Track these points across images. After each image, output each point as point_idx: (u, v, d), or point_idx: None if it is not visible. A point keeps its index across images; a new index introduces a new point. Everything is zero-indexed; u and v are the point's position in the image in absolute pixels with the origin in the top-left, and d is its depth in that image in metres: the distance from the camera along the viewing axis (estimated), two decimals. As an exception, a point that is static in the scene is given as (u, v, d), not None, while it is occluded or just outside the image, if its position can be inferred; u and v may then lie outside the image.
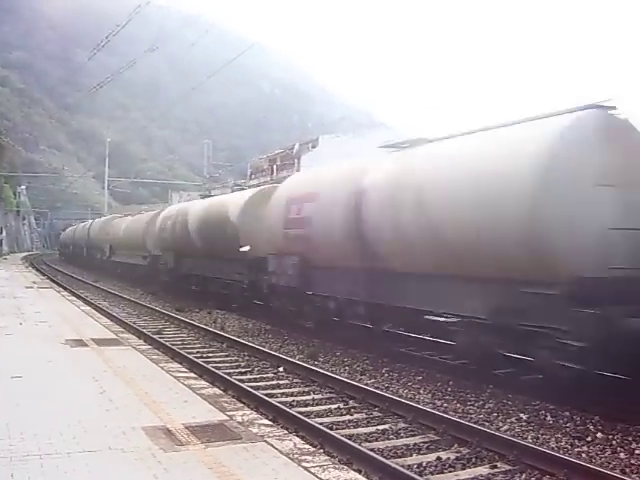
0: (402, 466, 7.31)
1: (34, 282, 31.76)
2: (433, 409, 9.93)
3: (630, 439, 8.62)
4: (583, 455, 8.08)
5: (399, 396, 10.83)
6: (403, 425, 9.34)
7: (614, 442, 8.55)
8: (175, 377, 9.86)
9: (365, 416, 9.87)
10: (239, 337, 17.33)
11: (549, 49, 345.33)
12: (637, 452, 8.15)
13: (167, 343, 15.75)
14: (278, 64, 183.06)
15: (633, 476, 7.27)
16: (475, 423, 9.18)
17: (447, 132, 13.25)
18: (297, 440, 7.07)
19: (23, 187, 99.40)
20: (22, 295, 23.60)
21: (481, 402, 10.67)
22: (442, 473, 7.42)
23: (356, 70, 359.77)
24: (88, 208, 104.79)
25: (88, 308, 20.53)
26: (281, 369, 13.24)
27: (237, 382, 11.55)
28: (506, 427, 9.27)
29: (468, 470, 7.52)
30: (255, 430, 7.15)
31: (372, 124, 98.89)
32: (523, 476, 7.34)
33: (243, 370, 13.34)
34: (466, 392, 11.31)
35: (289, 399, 10.81)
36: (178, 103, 76.74)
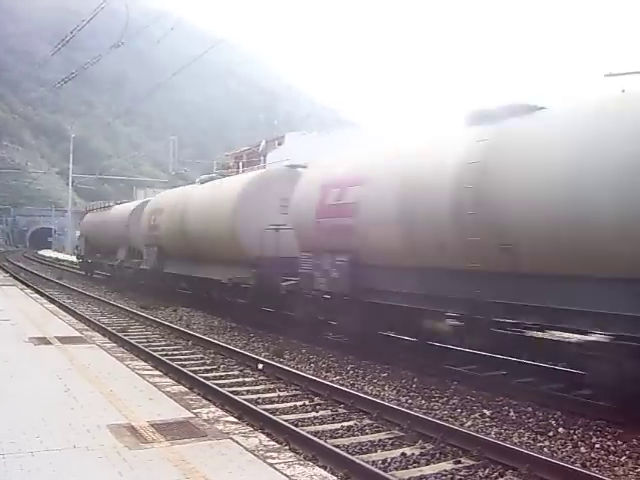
0: (367, 462, 7.37)
1: (-4, 280, 31.35)
2: (398, 405, 10.02)
3: (591, 433, 8.78)
4: (545, 450, 8.21)
5: (364, 393, 10.91)
6: (368, 421, 9.41)
7: (575, 437, 8.70)
8: (140, 375, 9.81)
9: (330, 413, 9.93)
10: (205, 335, 17.30)
11: (514, 49, 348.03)
12: (597, 446, 8.30)
13: (132, 341, 15.67)
14: (245, 61, 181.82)
15: (593, 469, 7.40)
16: (439, 419, 9.27)
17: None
18: (263, 437, 7.08)
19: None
20: (-17, 293, 23.30)
21: (445, 398, 10.79)
22: (406, 469, 7.49)
23: (323, 68, 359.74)
24: (52, 205, 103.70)
25: (52, 306, 20.30)
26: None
27: (203, 380, 11.54)
28: (470, 423, 9.38)
29: (432, 465, 7.59)
30: (221, 427, 7.15)
31: (338, 121, 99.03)
32: (486, 471, 7.43)
33: (209, 368, 13.32)
34: (431, 388, 11.42)
35: (255, 396, 10.83)
36: (144, 99, 76.19)
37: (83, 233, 43.59)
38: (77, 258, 46.49)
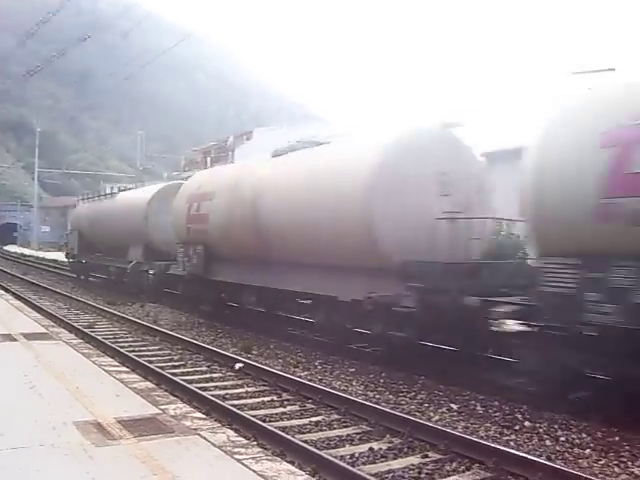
0: (335, 457, 7.40)
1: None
2: (366, 400, 10.07)
3: (556, 427, 8.92)
4: (511, 443, 8.32)
5: (332, 388, 10.95)
6: (336, 416, 9.45)
7: (540, 430, 8.83)
8: (107, 371, 9.74)
9: (298, 408, 9.95)
10: (172, 330, 17.24)
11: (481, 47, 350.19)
12: (562, 439, 8.44)
13: (99, 337, 15.55)
14: (214, 56, 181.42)
15: (558, 462, 7.50)
16: (407, 414, 9.34)
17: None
18: (230, 433, 7.07)
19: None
20: (-54, 289, 22.97)
21: (413, 393, 10.86)
22: (374, 463, 7.53)
23: (292, 63, 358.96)
24: (17, 200, 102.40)
25: (18, 302, 20.07)
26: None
27: (170, 376, 11.50)
28: (437, 417, 9.46)
29: (400, 460, 7.64)
30: (188, 423, 7.12)
31: (307, 117, 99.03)
32: (453, 465, 7.50)
33: (176, 364, 13.28)
34: (398, 383, 11.50)
35: (223, 392, 10.82)
36: (111, 93, 75.71)
37: (75, 227, 35.85)
38: (67, 258, 38.34)
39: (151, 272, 24.84)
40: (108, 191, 36.26)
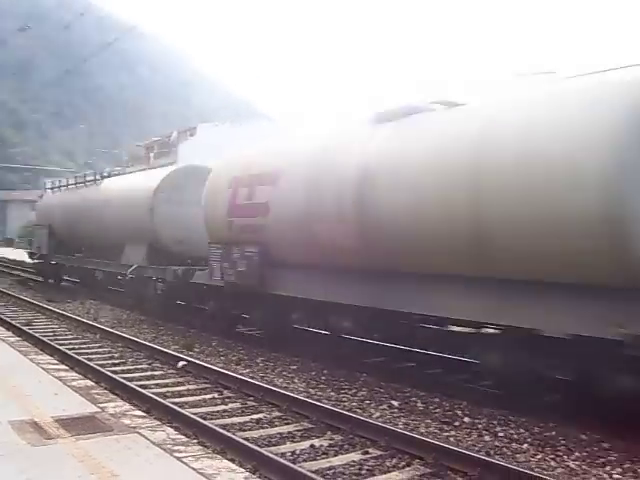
0: (276, 454, 7.38)
1: None
2: (307, 397, 10.06)
3: (495, 423, 9.04)
4: (451, 439, 8.40)
5: (274, 385, 10.93)
6: (278, 414, 9.43)
7: (480, 426, 8.94)
8: (45, 369, 9.60)
9: (240, 406, 9.91)
10: (113, 328, 17.01)
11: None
12: (501, 435, 8.56)
13: (37, 334, 15.26)
14: (159, 50, 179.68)
15: (496, 457, 7.61)
16: (348, 411, 9.36)
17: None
18: (170, 431, 7.04)
19: None
20: None
21: (354, 390, 10.91)
22: (315, 460, 7.53)
23: (238, 59, 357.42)
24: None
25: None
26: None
27: (110, 373, 11.35)
28: (378, 414, 9.51)
29: (340, 456, 7.66)
30: (127, 422, 7.06)
31: (252, 114, 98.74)
32: (394, 461, 7.54)
33: (117, 361, 13.11)
34: (340, 380, 11.54)
35: (163, 390, 10.71)
36: (52, 86, 74.31)
37: (43, 222, 29.76)
38: (31, 258, 31.88)
39: (160, 280, 19.27)
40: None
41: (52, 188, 30.68)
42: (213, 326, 14.33)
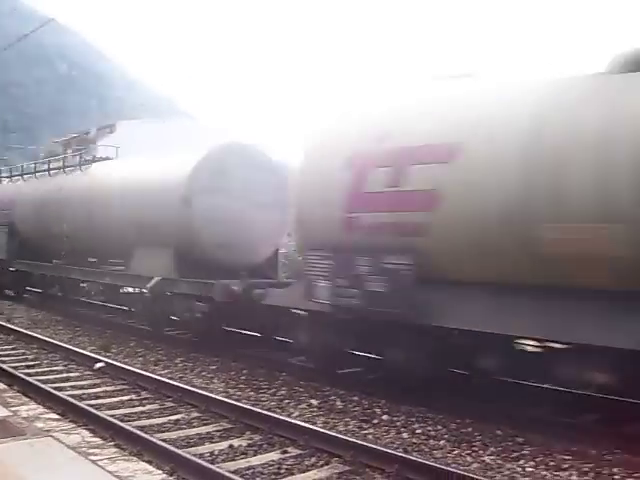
0: (194, 455, 7.32)
1: None
2: (226, 398, 10.02)
3: (413, 420, 9.17)
4: (369, 437, 8.47)
5: (192, 386, 10.84)
6: (196, 414, 9.35)
7: (398, 423, 9.05)
8: (-46, 373, 9.30)
9: (158, 407, 9.79)
10: (28, 329, 16.56)
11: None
12: (418, 432, 8.68)
13: (-55, 337, 14.75)
14: (77, 45, 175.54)
15: (414, 454, 7.71)
16: (267, 410, 9.35)
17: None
18: (86, 433, 6.91)
19: None
20: None
21: (274, 390, 10.91)
22: (234, 460, 7.49)
23: (159, 56, 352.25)
24: None
25: None
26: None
27: (23, 376, 11.05)
28: (297, 413, 9.52)
29: (259, 456, 7.64)
30: (41, 425, 6.90)
31: (173, 111, 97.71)
32: (312, 459, 7.56)
33: (31, 363, 12.77)
34: (259, 380, 11.53)
35: (79, 392, 10.49)
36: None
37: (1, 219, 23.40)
38: None
39: (201, 299, 13.89)
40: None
41: (10, 176, 24.96)
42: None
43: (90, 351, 13.64)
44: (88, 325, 17.43)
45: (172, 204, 14.49)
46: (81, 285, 20.92)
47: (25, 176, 23.37)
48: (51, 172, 21.41)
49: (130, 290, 17.83)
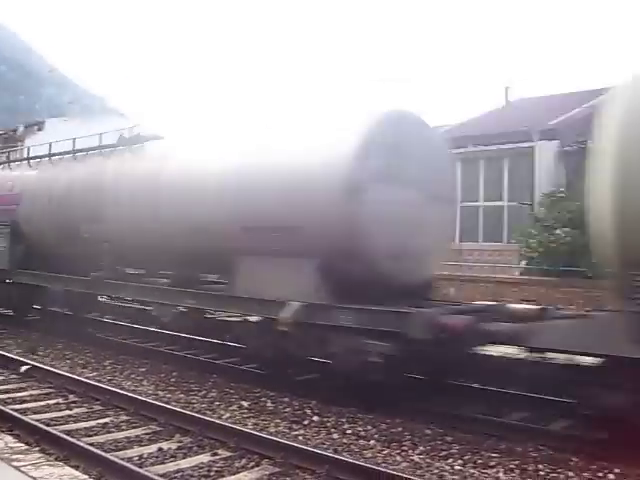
0: (122, 458, 7.22)
1: None
2: (156, 400, 9.92)
3: (343, 420, 9.22)
4: (300, 438, 8.48)
5: (121, 388, 10.70)
6: (125, 417, 9.22)
7: (329, 424, 9.08)
8: None
9: (86, 410, 9.61)
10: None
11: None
12: (349, 432, 8.74)
13: None
14: (4, 40, 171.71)
15: (344, 454, 7.76)
16: (197, 412, 9.29)
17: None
18: (9, 439, 6.76)
19: None
20: None
21: (204, 391, 10.84)
22: (163, 463, 7.41)
23: (91, 54, 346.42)
24: None
25: None
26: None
27: (-57, 380, 10.74)
28: (228, 415, 9.48)
29: (189, 459, 7.58)
30: (-39, 431, 6.72)
31: (105, 110, 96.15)
32: (242, 461, 7.53)
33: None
34: (190, 382, 11.44)
35: (4, 396, 10.20)
36: None
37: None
38: None
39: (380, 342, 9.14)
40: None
41: (7, 162, 19.31)
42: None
43: (16, 354, 13.27)
44: (13, 327, 16.80)
45: (324, 196, 9.66)
46: (145, 308, 16.19)
47: (32, 162, 17.33)
48: (77, 155, 15.50)
49: (228, 318, 13.13)
